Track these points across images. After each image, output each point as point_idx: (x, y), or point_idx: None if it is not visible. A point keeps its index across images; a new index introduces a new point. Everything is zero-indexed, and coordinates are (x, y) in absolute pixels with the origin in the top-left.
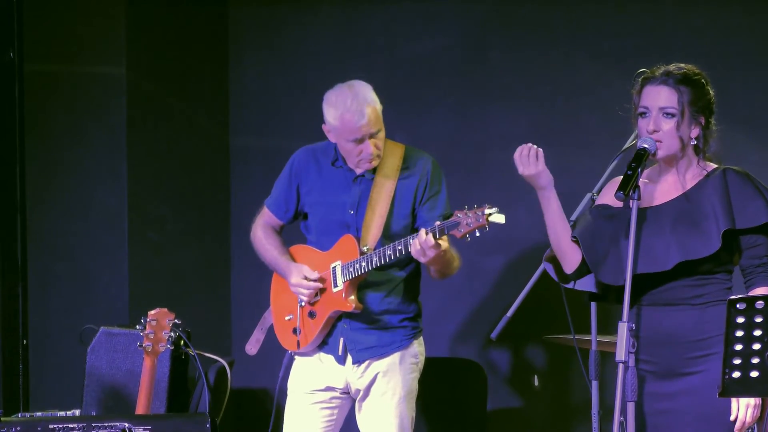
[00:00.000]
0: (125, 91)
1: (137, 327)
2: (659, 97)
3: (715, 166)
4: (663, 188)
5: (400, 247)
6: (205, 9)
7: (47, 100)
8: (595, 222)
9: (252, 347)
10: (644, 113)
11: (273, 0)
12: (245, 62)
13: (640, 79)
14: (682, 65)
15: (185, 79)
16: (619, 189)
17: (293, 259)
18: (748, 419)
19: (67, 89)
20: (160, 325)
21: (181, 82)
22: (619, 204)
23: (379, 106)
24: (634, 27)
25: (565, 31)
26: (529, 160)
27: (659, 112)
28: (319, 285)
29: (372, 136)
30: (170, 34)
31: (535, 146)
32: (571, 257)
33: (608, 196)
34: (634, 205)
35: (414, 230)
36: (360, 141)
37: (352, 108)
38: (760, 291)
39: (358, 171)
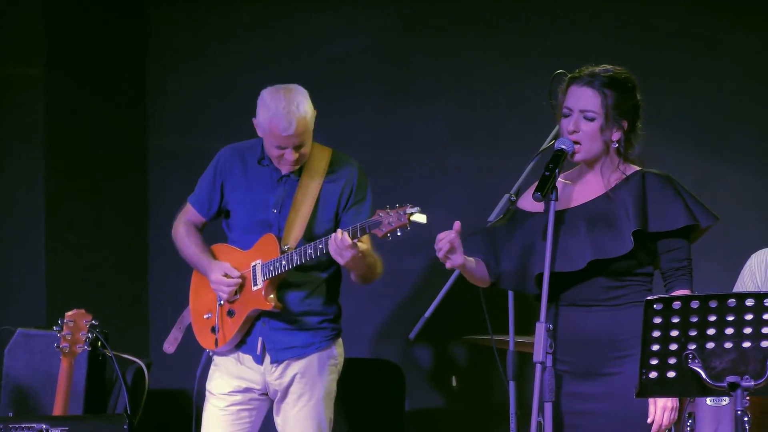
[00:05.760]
0: (43, 93)
1: (54, 328)
2: (581, 99)
3: (637, 168)
4: (583, 190)
5: (321, 246)
6: (124, 10)
7: None
8: (507, 230)
9: (170, 346)
10: (567, 114)
11: (193, 1)
12: (164, 63)
13: (566, 78)
14: (610, 67)
15: (103, 81)
16: (536, 190)
17: (215, 257)
18: (665, 422)
19: None
20: (77, 326)
21: (99, 84)
22: (538, 207)
23: (310, 117)
24: (550, 28)
25: (483, 32)
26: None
27: (580, 114)
28: (239, 281)
29: (296, 147)
30: (88, 36)
31: (447, 238)
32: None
33: (527, 199)
34: (552, 206)
35: None
36: (282, 148)
37: (281, 115)
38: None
39: (283, 171)
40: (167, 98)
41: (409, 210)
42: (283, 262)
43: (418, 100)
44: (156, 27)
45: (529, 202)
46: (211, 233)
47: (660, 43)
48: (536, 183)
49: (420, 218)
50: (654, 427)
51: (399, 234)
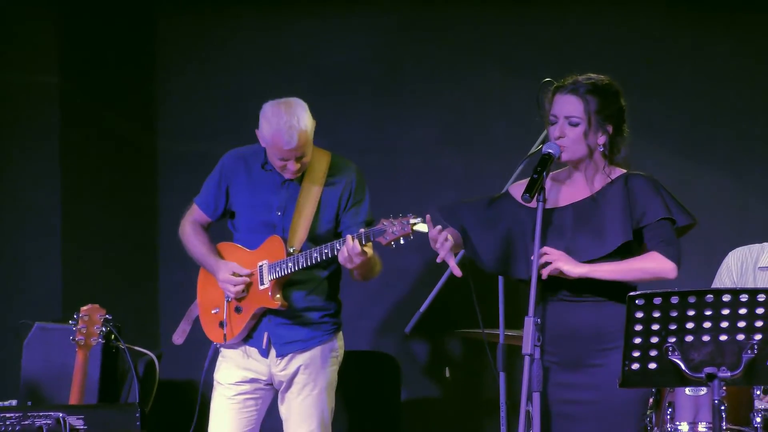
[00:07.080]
0: (58, 99)
1: (70, 322)
2: (565, 106)
3: (622, 171)
4: (570, 190)
5: (326, 251)
6: (134, 19)
7: None
8: (492, 211)
9: (178, 337)
10: (553, 121)
11: (199, 10)
12: (172, 70)
13: (552, 88)
14: (593, 75)
15: (115, 88)
16: (525, 192)
17: (221, 256)
18: (556, 262)
19: (1, 96)
20: (91, 320)
21: (110, 91)
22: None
23: (311, 129)
24: (540, 36)
25: (474, 38)
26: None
27: (565, 120)
28: (248, 280)
29: (297, 158)
30: (100, 45)
31: (439, 239)
32: None
33: (519, 189)
34: (539, 207)
35: (337, 234)
36: (285, 159)
37: (283, 130)
38: (654, 255)
39: (286, 177)
40: (176, 104)
41: (412, 220)
42: (290, 264)
43: (410, 104)
44: (164, 36)
45: (519, 194)
46: (217, 231)
47: (642, 49)
48: (529, 178)
49: (422, 228)
50: (543, 258)
51: (402, 243)
